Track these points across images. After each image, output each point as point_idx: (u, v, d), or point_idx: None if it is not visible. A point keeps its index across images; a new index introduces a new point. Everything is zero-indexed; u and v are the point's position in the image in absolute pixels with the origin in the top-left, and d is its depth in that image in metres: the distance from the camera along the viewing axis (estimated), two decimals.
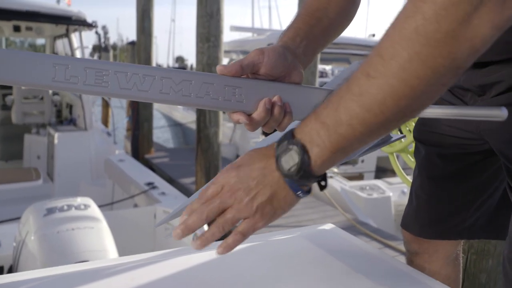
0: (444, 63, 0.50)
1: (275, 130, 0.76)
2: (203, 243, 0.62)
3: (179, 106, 11.22)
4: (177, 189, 5.92)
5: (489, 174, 0.99)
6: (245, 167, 0.62)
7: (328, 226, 1.02)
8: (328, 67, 10.66)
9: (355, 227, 4.38)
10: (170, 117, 11.01)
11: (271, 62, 0.72)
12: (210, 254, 0.87)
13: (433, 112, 0.76)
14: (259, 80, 0.73)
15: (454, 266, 1.14)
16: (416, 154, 1.10)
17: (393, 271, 0.82)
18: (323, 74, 9.93)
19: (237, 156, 7.77)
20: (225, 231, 0.63)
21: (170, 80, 0.69)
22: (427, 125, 1.03)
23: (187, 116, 9.96)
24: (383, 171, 6.80)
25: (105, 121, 8.45)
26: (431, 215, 1.07)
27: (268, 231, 0.99)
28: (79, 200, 2.25)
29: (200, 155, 4.96)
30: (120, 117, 10.01)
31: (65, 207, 2.12)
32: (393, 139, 0.84)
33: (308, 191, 0.61)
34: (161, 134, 12.22)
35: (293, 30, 0.80)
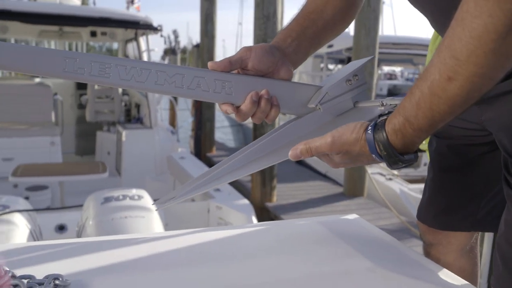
0: None
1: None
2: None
3: None
4: (234, 186, 6.11)
5: (500, 166, 0.98)
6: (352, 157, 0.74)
7: (352, 216, 1.05)
8: (398, 69, 10.42)
9: (409, 230, 4.31)
10: (231, 118, 11.25)
11: (257, 58, 0.79)
12: (223, 232, 0.95)
13: (399, 102, 0.81)
14: (248, 75, 0.81)
15: (469, 259, 1.14)
16: (429, 146, 1.14)
17: (408, 260, 0.83)
18: (392, 76, 9.72)
19: None
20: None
21: (165, 74, 0.76)
22: None
23: None
24: None
25: (172, 122, 8.85)
26: (442, 206, 1.10)
27: None
28: (134, 191, 2.45)
29: None
30: (185, 118, 10.43)
31: (121, 197, 2.32)
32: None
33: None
34: (223, 135, 12.52)
35: (286, 31, 0.88)
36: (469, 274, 1.14)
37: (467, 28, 0.56)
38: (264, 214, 5.08)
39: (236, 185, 6.21)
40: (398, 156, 0.69)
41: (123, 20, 5.04)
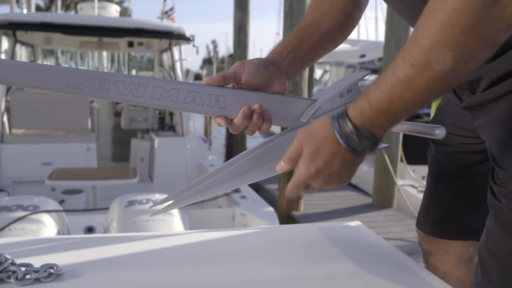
0: (479, 44, 0.57)
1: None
2: (299, 190, 0.79)
3: None
4: (263, 194, 6.16)
5: None
6: (323, 160, 0.75)
7: (355, 223, 1.05)
8: None
9: None
10: None
11: (250, 72, 0.82)
12: (221, 233, 0.97)
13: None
14: (241, 90, 0.84)
15: (467, 269, 1.12)
16: (428, 153, 1.14)
17: (401, 268, 0.82)
18: None
19: None
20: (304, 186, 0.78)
21: (161, 88, 0.80)
22: (436, 124, 1.07)
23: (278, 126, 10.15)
24: None
25: (206, 130, 9.00)
26: (439, 214, 1.10)
27: None
28: (157, 196, 2.54)
29: None
30: (218, 128, 10.56)
31: (144, 201, 2.41)
32: (379, 147, 0.90)
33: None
34: (255, 144, 12.60)
35: (283, 44, 0.90)
36: (468, 285, 1.13)
37: (432, 20, 0.58)
38: (290, 222, 5.07)
39: (264, 192, 6.26)
40: (358, 132, 0.70)
41: (157, 31, 5.21)
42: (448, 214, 1.09)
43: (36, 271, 0.73)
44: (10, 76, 0.76)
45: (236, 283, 0.75)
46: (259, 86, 0.84)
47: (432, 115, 1.13)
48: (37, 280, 0.72)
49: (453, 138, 1.02)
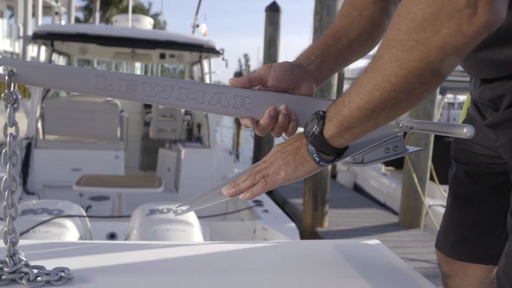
0: (418, 65, 0.59)
1: None
2: (235, 191, 0.80)
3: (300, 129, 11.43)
4: (288, 208, 6.12)
5: None
6: (287, 143, 0.79)
7: (373, 241, 1.04)
8: (462, 97, 10.04)
9: None
10: None
11: (277, 76, 0.82)
12: (231, 246, 0.97)
13: (415, 125, 0.81)
14: (267, 91, 0.84)
15: None
16: (449, 172, 1.11)
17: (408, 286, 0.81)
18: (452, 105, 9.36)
19: (355, 183, 7.71)
20: (255, 180, 0.78)
21: (187, 90, 0.81)
22: (461, 143, 1.05)
23: None
24: None
25: (235, 142, 9.07)
26: (459, 235, 1.07)
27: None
28: (176, 207, 2.56)
29: (309, 177, 5.09)
30: (247, 140, 10.61)
31: (165, 210, 2.44)
32: (409, 151, 0.84)
33: (327, 161, 0.75)
34: None
35: (311, 49, 0.90)
36: None
37: (385, 35, 0.63)
38: (314, 238, 5.03)
39: (288, 207, 6.22)
40: (320, 137, 0.72)
41: (187, 44, 5.30)
42: (468, 236, 1.06)
43: (48, 273, 0.75)
44: (42, 78, 0.79)
45: None
46: (285, 89, 0.84)
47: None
48: (48, 283, 0.74)
49: (477, 157, 1.00)
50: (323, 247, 1.00)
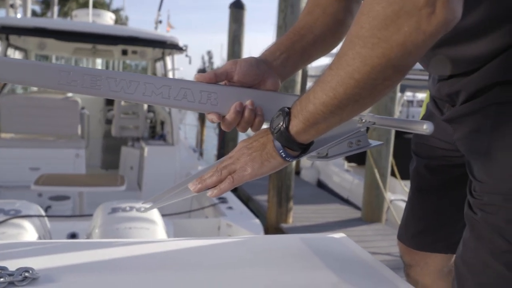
0: (380, 62, 0.60)
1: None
2: (201, 186, 0.79)
3: (264, 126, 11.52)
4: (253, 205, 6.13)
5: None
6: (253, 139, 0.79)
7: (339, 235, 1.06)
8: (421, 95, 10.33)
9: None
10: None
11: (242, 71, 0.83)
12: (206, 241, 0.97)
13: (377, 121, 0.82)
14: (233, 86, 0.84)
15: (447, 282, 1.12)
16: (410, 165, 1.14)
17: (380, 280, 0.82)
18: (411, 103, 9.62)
19: (318, 180, 7.81)
20: (221, 175, 0.78)
21: (152, 85, 0.80)
22: (420, 137, 1.07)
23: None
24: None
25: (198, 140, 9.00)
26: (420, 226, 1.10)
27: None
28: (141, 203, 2.52)
29: (273, 174, 5.11)
30: (211, 137, 10.56)
31: (128, 208, 2.39)
32: (372, 145, 0.86)
33: (293, 156, 0.76)
34: None
35: (276, 45, 0.91)
36: None
37: (348, 32, 0.65)
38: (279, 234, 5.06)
39: (253, 204, 6.24)
40: (284, 130, 0.73)
41: (150, 40, 5.21)
42: (428, 227, 1.09)
43: (11, 274, 0.72)
44: (1, 73, 0.76)
45: None
46: (251, 84, 0.84)
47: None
48: (11, 284, 0.71)
49: (436, 151, 1.03)
50: (289, 241, 1.01)
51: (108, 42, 5.25)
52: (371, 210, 5.44)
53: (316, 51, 0.94)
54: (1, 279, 0.70)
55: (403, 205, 5.31)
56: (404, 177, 5.53)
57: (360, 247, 0.99)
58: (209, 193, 0.79)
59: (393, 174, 5.50)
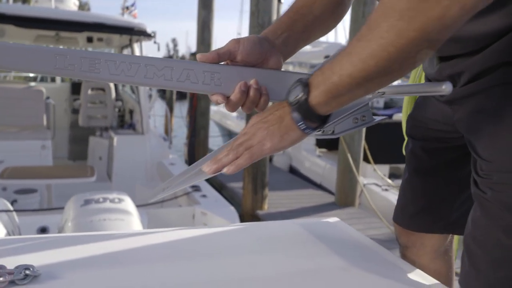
0: (417, 35, 0.60)
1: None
2: (218, 166, 0.76)
3: (232, 115, 11.55)
4: (227, 193, 6.10)
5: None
6: (268, 113, 0.77)
7: (333, 219, 1.07)
8: (395, 82, 10.49)
9: None
10: (222, 127, 11.36)
11: (246, 50, 0.81)
12: (204, 230, 0.97)
13: (390, 90, 0.82)
14: (237, 66, 0.82)
15: (444, 261, 1.15)
16: (405, 148, 1.15)
17: (384, 262, 0.84)
18: None
19: (290, 166, 7.83)
20: (238, 153, 0.76)
21: (154, 67, 0.77)
22: (414, 119, 1.08)
23: (240, 126, 10.24)
24: None
25: (166, 129, 8.86)
26: (416, 208, 1.10)
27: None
28: (115, 194, 2.44)
29: None
30: (180, 126, 10.44)
31: (101, 200, 2.31)
32: (376, 120, 0.87)
33: (312, 128, 0.74)
34: (213, 147, 12.68)
35: (276, 24, 0.90)
36: (445, 277, 1.15)
37: (381, 5, 0.63)
38: (255, 221, 5.05)
39: (227, 191, 6.20)
40: (306, 104, 0.71)
41: (117, 26, 5.06)
42: (425, 208, 1.10)
43: (10, 273, 0.69)
44: None
45: (220, 281, 0.74)
46: (254, 63, 0.83)
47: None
48: (12, 283, 0.68)
49: (431, 132, 1.03)
50: (287, 227, 1.01)
51: (73, 29, 5.07)
52: (345, 195, 5.49)
53: (315, 31, 0.93)
54: (1, 278, 0.67)
55: (376, 189, 5.42)
56: (377, 161, 5.59)
57: (356, 231, 1.00)
58: (225, 169, 0.77)
59: (365, 159, 5.56)
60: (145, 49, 5.54)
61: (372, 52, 0.63)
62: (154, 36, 5.17)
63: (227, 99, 0.81)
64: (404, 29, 0.60)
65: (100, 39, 5.73)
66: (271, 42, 0.85)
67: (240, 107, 0.82)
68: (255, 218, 5.10)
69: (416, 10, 0.59)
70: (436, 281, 0.78)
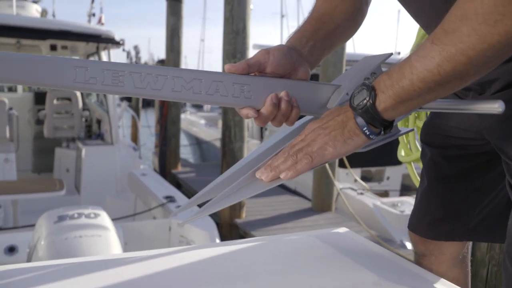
0: (500, 39, 0.58)
1: None
2: (275, 173, 0.74)
3: (200, 122, 11.41)
4: (203, 203, 5.95)
5: (494, 175, 1.00)
6: (327, 118, 0.75)
7: (342, 229, 1.05)
8: None
9: (379, 243, 4.27)
10: (190, 136, 11.24)
11: (276, 61, 0.78)
12: (216, 249, 0.90)
13: (436, 105, 0.78)
14: (266, 77, 0.78)
15: (462, 268, 1.13)
16: (422, 156, 1.13)
17: (402, 270, 0.84)
18: None
19: None
20: (297, 159, 0.73)
21: (181, 79, 0.73)
22: (431, 127, 1.07)
23: (208, 133, 10.15)
24: (408, 189, 6.68)
25: (134, 139, 8.64)
26: (436, 216, 1.08)
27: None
28: (90, 209, 2.29)
29: (225, 169, 4.98)
30: (146, 135, 10.21)
31: (76, 215, 2.16)
32: (401, 132, 0.84)
33: (377, 133, 0.72)
34: (182, 155, 12.59)
35: (300, 33, 0.87)
36: (462, 284, 1.13)
37: (460, 7, 0.61)
38: (234, 230, 4.96)
39: (205, 202, 6.05)
40: (375, 112, 0.69)
41: (84, 34, 4.88)
42: (445, 216, 1.08)
43: None
44: (3, 71, 0.64)
45: None
46: (283, 74, 0.80)
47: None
48: None
49: (451, 140, 1.02)
50: (301, 241, 0.99)
51: (36, 37, 4.86)
52: (321, 200, 5.46)
53: (337, 39, 0.92)
54: None
55: (352, 193, 5.41)
56: (352, 165, 5.60)
57: (367, 240, 0.99)
58: (282, 175, 0.74)
59: (340, 164, 5.56)
60: (113, 56, 5.38)
61: (450, 56, 0.61)
62: (122, 44, 5.01)
63: (257, 112, 0.77)
64: (487, 33, 0.58)
65: (64, 47, 5.53)
66: (299, 51, 0.83)
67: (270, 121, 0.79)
68: (233, 227, 5.00)
69: (502, 13, 0.57)
70: None
